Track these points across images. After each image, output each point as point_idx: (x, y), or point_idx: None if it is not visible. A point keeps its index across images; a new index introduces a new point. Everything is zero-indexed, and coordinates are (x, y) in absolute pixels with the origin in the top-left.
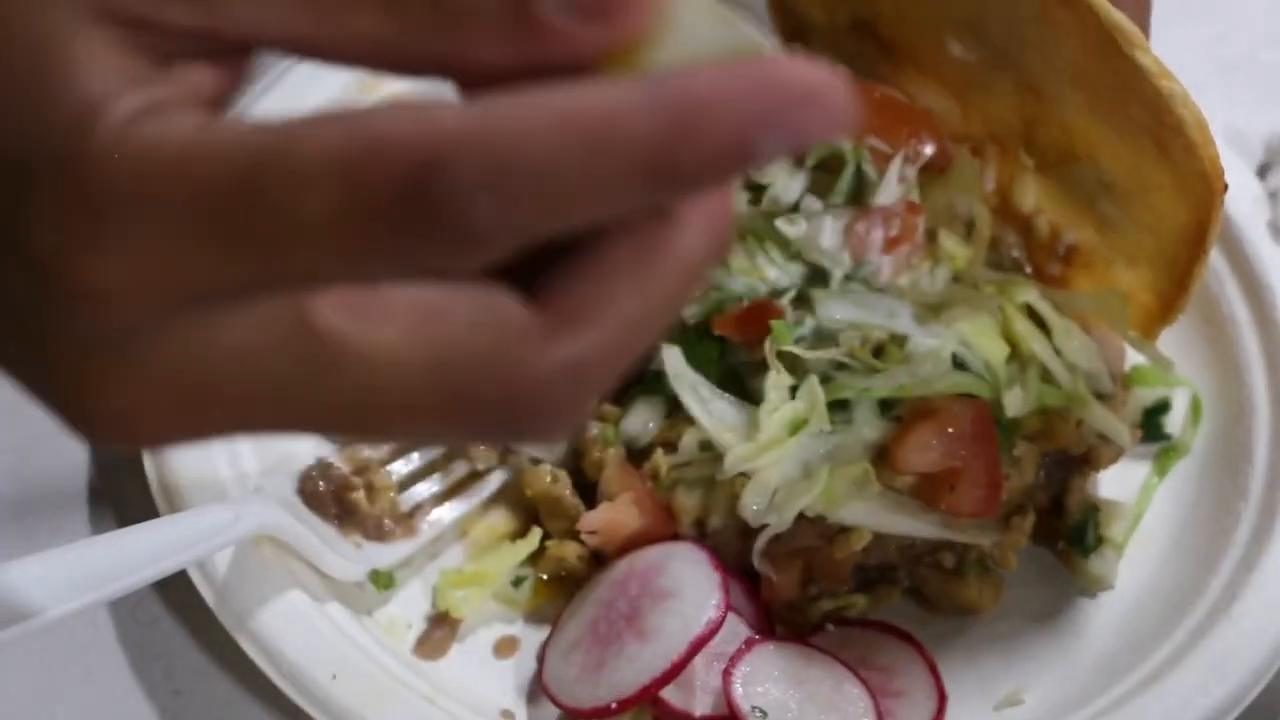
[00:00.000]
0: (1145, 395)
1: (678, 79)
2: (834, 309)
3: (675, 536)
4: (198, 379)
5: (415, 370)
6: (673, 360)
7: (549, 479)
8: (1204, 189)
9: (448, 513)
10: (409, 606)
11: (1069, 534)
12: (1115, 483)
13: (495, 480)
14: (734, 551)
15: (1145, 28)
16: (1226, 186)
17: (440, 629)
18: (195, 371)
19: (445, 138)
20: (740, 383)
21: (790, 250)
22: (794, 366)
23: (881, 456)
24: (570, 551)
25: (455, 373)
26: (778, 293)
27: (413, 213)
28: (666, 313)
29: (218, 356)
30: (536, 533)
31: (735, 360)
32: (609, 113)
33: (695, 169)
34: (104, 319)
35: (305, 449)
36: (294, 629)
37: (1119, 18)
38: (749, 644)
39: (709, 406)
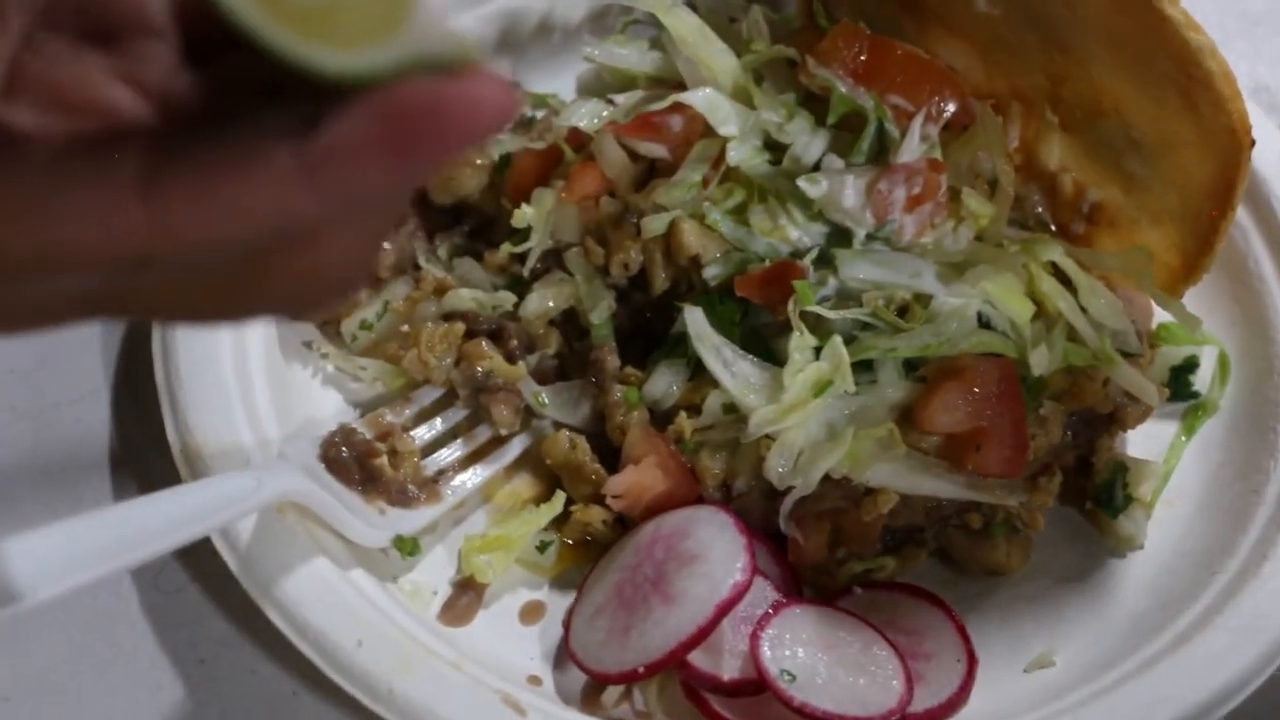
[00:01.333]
0: (1172, 353)
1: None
2: (857, 269)
3: (700, 500)
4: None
5: None
6: (695, 322)
7: (568, 445)
8: (1231, 143)
9: (471, 478)
10: (434, 573)
11: (1097, 493)
12: (1143, 441)
13: (518, 445)
14: (760, 514)
15: None
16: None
17: (465, 595)
18: None
19: (139, 257)
20: (763, 344)
21: (812, 210)
22: (817, 327)
23: (907, 417)
24: (595, 516)
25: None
26: (800, 253)
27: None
28: None
29: None
30: (560, 496)
31: (758, 321)
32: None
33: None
34: None
35: (328, 415)
36: (318, 596)
37: None
38: (776, 607)
39: (732, 368)
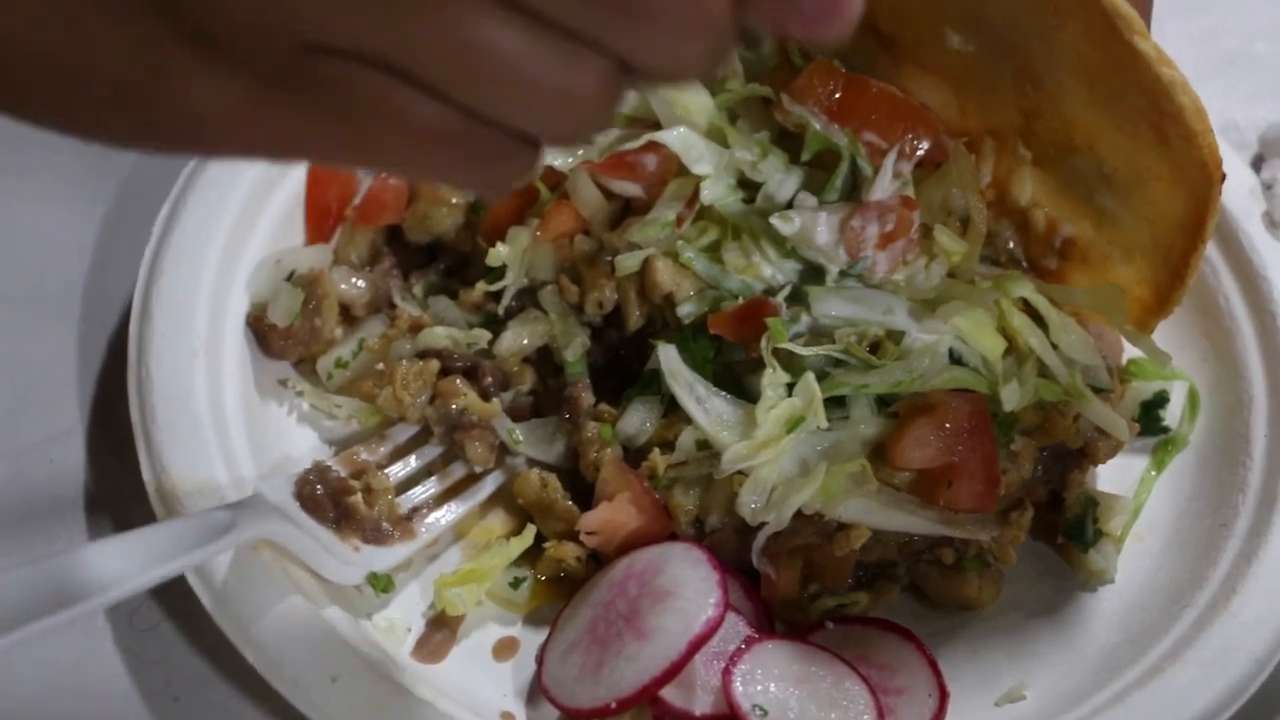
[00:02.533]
0: (1143, 388)
1: None
2: (830, 305)
3: (673, 536)
4: None
5: None
6: (669, 359)
7: (539, 484)
8: (1202, 178)
9: (446, 515)
10: (408, 610)
11: (1068, 528)
12: (1114, 476)
13: (492, 482)
14: (733, 550)
15: (1146, 20)
16: (1224, 176)
17: (439, 631)
18: None
19: None
20: (736, 381)
21: (785, 247)
22: (790, 364)
23: (879, 453)
24: (568, 553)
25: None
26: (773, 290)
27: None
28: None
29: None
30: (531, 529)
31: (731, 358)
32: None
33: None
34: None
35: (303, 453)
36: (293, 633)
37: (1120, 3)
38: (749, 642)
39: (706, 405)
